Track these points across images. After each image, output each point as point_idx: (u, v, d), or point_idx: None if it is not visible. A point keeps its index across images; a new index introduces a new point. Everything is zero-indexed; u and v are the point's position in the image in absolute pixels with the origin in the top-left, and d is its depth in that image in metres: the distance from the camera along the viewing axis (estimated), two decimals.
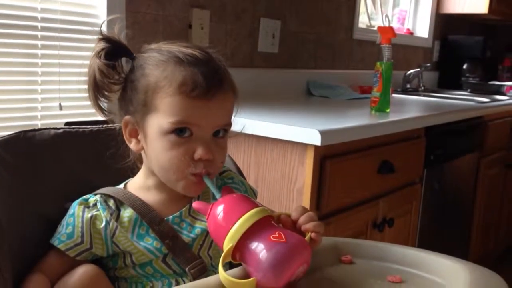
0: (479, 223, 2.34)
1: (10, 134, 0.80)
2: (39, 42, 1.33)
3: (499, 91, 2.90)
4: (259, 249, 0.64)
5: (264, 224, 0.67)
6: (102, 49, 0.76)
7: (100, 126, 0.90)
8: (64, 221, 0.78)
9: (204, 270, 0.78)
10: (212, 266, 0.81)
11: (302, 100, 1.99)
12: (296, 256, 0.65)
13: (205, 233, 0.79)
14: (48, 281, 0.73)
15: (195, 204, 0.71)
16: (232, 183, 0.86)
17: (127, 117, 0.77)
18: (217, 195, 0.72)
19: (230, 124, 0.77)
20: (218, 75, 0.74)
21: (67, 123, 0.88)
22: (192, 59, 0.73)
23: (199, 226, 0.79)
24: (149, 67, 0.75)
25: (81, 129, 0.88)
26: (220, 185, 0.84)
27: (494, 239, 2.58)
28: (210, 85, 0.72)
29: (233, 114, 0.78)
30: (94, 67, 0.76)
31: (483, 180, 2.30)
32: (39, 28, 1.32)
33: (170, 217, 0.79)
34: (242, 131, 1.32)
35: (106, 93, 0.77)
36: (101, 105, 0.79)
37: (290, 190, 1.29)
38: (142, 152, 0.79)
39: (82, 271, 0.72)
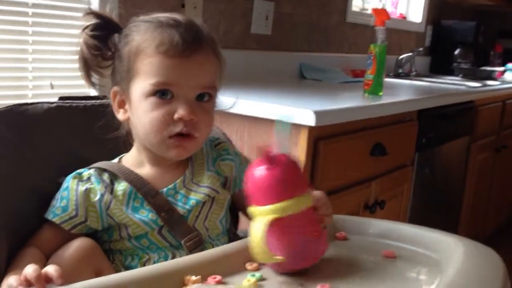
0: (468, 206, 2.37)
1: (3, 107, 0.79)
2: (29, 19, 1.30)
3: (490, 76, 2.92)
4: (298, 238, 0.66)
5: (309, 212, 0.67)
6: (90, 24, 0.77)
7: (94, 101, 0.89)
8: (59, 195, 0.78)
9: (200, 242, 0.78)
10: (210, 238, 0.80)
11: (295, 83, 1.98)
12: (319, 256, 0.69)
13: (201, 204, 0.79)
14: (42, 255, 0.73)
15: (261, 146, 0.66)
16: (226, 154, 0.86)
17: (115, 88, 0.79)
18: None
19: (213, 88, 0.77)
20: (198, 37, 0.75)
21: (60, 98, 0.87)
22: (173, 22, 0.75)
23: (194, 198, 0.79)
24: (133, 33, 0.76)
25: (74, 104, 0.87)
26: (215, 157, 0.84)
27: (483, 221, 2.61)
28: (187, 44, 0.73)
29: (218, 81, 0.78)
30: (82, 42, 0.77)
31: (473, 164, 2.32)
32: (30, 5, 1.30)
33: (165, 189, 0.79)
34: (235, 111, 1.33)
35: (97, 68, 0.78)
36: (93, 80, 0.80)
37: None
38: (130, 123, 0.80)
39: (77, 244, 0.72)
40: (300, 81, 2.07)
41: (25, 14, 1.29)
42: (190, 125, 0.74)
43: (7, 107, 0.79)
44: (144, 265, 0.76)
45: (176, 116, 0.73)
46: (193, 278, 0.62)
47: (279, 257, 0.63)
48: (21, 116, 0.80)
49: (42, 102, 0.83)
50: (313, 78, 2.12)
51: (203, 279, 0.63)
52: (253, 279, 0.63)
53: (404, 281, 0.68)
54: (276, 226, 0.64)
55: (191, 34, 0.74)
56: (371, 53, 1.71)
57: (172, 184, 0.79)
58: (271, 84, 1.75)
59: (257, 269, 0.68)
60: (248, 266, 0.68)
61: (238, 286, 0.61)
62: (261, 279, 0.65)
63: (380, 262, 0.72)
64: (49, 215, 0.77)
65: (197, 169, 0.82)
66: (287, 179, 0.65)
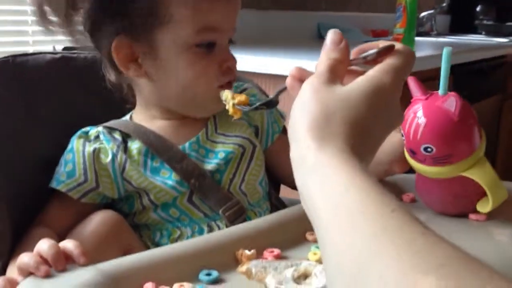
0: (501, 165, 2.25)
1: None
2: None
3: None
4: None
5: None
6: None
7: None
8: (63, 159, 0.65)
9: (242, 211, 0.65)
10: (250, 205, 0.68)
11: (314, 43, 1.85)
12: None
13: (235, 160, 0.67)
14: (54, 234, 0.59)
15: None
16: (255, 100, 0.73)
17: (119, 37, 0.62)
18: None
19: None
20: None
21: (65, 48, 0.74)
22: None
23: (222, 149, 0.67)
24: None
25: (82, 55, 0.73)
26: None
27: None
28: None
29: None
30: None
31: (505, 124, 2.20)
32: None
33: (186, 144, 0.66)
34: (255, 70, 1.22)
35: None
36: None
37: None
38: (143, 80, 0.65)
39: (99, 218, 0.59)
40: (319, 41, 1.93)
41: None
42: (234, 72, 0.66)
43: (2, 58, 0.66)
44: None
45: (225, 66, 0.64)
46: (247, 252, 0.49)
47: None
48: (19, 69, 0.67)
49: (43, 53, 0.70)
50: None
51: (258, 254, 0.50)
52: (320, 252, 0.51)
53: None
54: None
55: None
56: (400, 4, 1.57)
57: (195, 137, 0.67)
58: (289, 44, 1.64)
59: None
60: (309, 236, 0.55)
61: (305, 261, 0.48)
62: None
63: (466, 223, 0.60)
64: (53, 183, 0.64)
65: (221, 118, 0.69)
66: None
